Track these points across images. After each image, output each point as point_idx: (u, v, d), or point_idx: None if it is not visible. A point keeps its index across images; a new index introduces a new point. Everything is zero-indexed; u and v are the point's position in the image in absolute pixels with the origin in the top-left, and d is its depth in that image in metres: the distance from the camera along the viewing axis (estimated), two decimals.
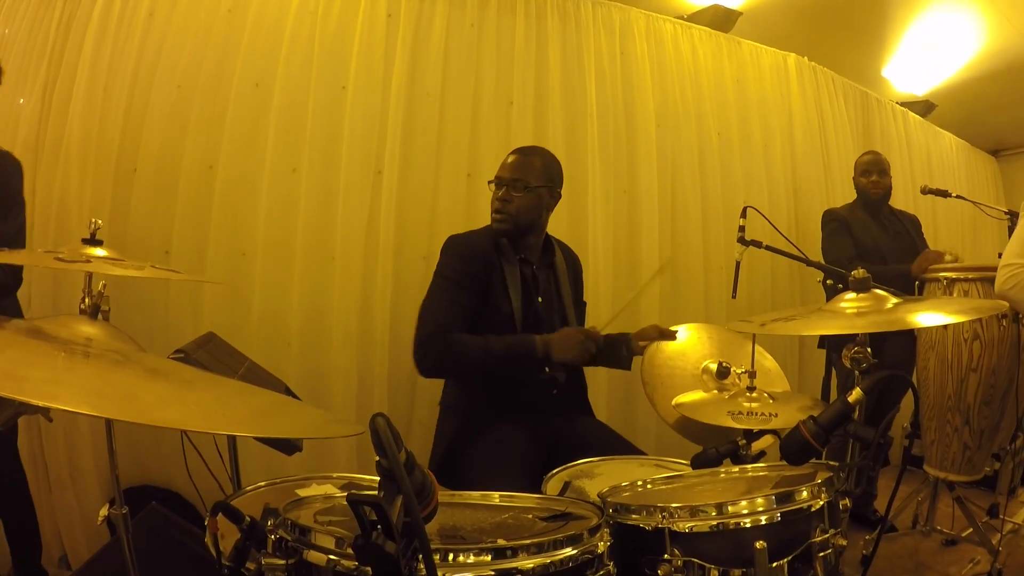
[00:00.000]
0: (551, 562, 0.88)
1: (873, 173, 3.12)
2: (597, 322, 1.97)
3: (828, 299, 1.70)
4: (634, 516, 1.06)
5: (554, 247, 2.09)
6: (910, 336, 2.68)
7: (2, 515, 1.98)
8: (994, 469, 2.47)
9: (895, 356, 2.59)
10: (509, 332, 1.88)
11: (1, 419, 1.24)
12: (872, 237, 2.99)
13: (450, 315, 1.84)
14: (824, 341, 3.11)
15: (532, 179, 1.94)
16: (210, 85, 2.50)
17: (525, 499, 1.15)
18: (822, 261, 2.88)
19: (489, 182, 1.99)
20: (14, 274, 1.95)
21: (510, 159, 1.99)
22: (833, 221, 3.08)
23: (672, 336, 1.97)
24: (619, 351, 2.00)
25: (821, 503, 1.07)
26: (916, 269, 2.63)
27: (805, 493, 1.07)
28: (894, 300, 1.54)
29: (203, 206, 2.47)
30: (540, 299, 1.98)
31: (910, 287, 2.58)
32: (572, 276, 2.13)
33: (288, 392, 1.95)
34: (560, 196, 2.05)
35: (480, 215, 2.65)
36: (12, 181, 1.96)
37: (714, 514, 1.03)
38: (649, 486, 1.26)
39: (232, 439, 1.84)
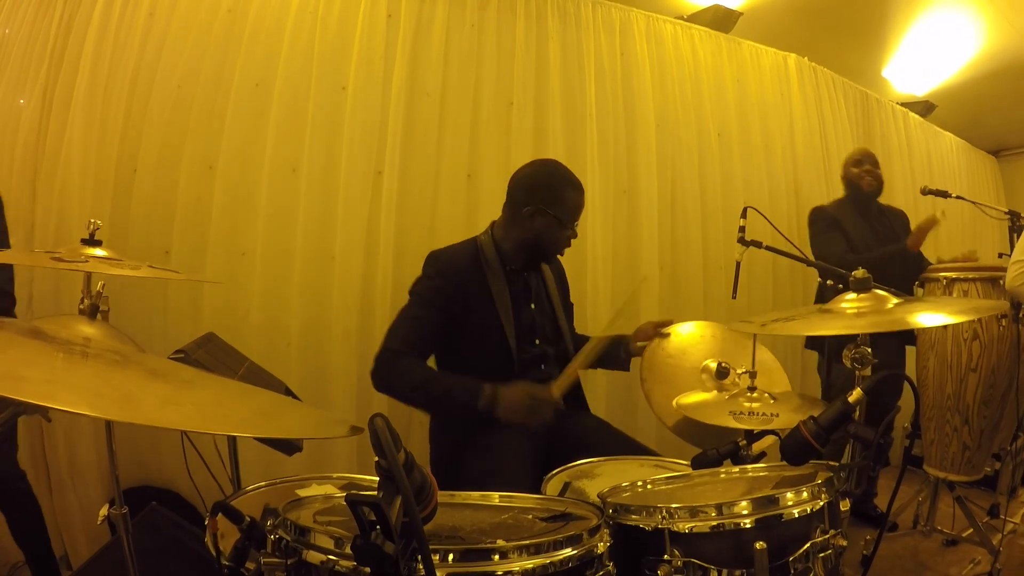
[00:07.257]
0: (551, 563, 0.87)
1: (866, 163, 2.99)
2: (596, 329, 1.94)
3: (828, 300, 1.70)
4: (634, 516, 1.05)
5: None
6: (896, 340, 2.68)
7: (10, 519, 1.98)
8: (994, 469, 2.48)
9: (882, 359, 2.57)
10: (499, 343, 1.85)
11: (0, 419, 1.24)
12: (862, 237, 2.92)
13: (407, 334, 1.79)
14: (809, 341, 3.07)
15: None
16: (210, 85, 2.51)
17: (525, 499, 1.15)
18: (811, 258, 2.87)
19: (570, 226, 1.89)
20: (8, 295, 1.95)
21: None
22: (821, 219, 2.99)
23: (666, 330, 1.99)
24: (617, 353, 2.01)
25: (821, 504, 1.07)
26: (912, 244, 2.61)
27: (805, 494, 1.06)
28: (894, 300, 1.54)
29: (203, 206, 2.47)
30: (533, 305, 1.97)
31: (909, 266, 2.59)
32: (558, 279, 2.13)
33: (288, 392, 1.95)
34: None
35: (479, 216, 2.66)
36: None
37: (714, 515, 1.02)
38: (649, 486, 1.25)
39: (232, 439, 1.85)
